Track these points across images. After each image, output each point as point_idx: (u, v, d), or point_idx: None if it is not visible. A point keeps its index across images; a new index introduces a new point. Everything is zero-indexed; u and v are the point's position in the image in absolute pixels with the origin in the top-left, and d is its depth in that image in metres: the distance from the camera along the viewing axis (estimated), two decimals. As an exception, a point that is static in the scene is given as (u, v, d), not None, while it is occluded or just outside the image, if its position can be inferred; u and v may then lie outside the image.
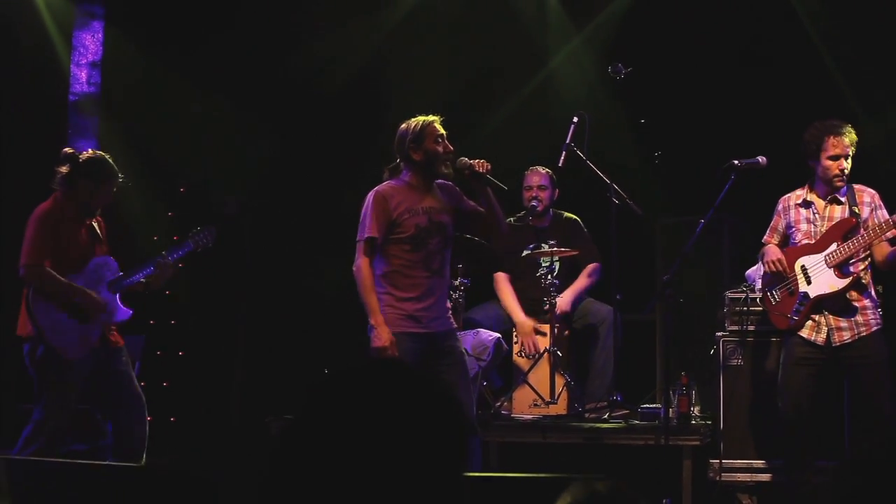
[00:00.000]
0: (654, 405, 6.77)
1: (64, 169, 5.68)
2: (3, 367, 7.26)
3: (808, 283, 5.85)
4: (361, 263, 5.39)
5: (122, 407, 5.75)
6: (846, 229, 5.83)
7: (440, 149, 5.45)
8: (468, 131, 5.76)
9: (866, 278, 5.86)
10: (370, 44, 8.37)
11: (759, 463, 6.40)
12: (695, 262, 6.68)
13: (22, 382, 6.71)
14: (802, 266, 5.88)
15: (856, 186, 5.91)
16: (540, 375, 6.89)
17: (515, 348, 7.06)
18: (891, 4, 7.52)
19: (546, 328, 6.97)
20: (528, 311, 7.15)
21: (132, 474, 3.88)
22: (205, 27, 8.17)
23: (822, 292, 5.80)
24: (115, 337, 5.82)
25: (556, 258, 7.12)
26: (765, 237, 6.13)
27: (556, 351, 6.86)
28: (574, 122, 6.86)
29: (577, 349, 7.33)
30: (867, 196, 5.90)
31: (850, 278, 5.77)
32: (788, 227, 6.02)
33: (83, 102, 8.09)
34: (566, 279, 7.24)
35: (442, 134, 5.47)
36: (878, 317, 5.84)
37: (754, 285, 6.54)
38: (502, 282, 7.32)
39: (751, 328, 6.50)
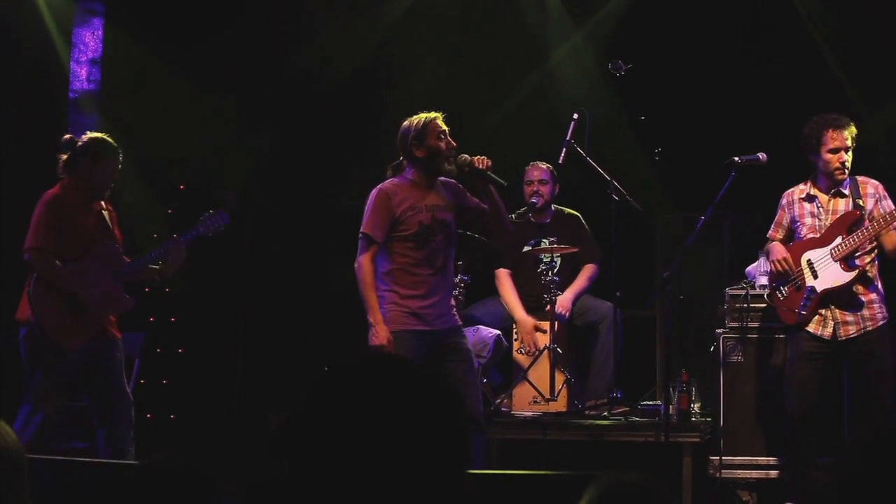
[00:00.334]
0: (655, 402, 6.77)
1: (65, 155, 5.73)
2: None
3: (815, 277, 5.85)
4: (362, 261, 5.40)
5: (107, 402, 5.73)
6: (851, 222, 5.83)
7: (443, 145, 5.46)
8: (468, 127, 5.75)
9: (872, 271, 5.87)
10: (370, 39, 8.36)
11: (760, 460, 6.40)
12: (695, 259, 6.68)
13: (19, 377, 6.71)
14: (808, 260, 5.88)
15: (859, 179, 5.92)
16: (540, 372, 6.88)
17: (515, 345, 7.06)
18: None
19: (546, 325, 6.96)
20: (528, 308, 7.15)
21: (126, 472, 3.87)
22: (204, 23, 8.16)
23: (829, 286, 5.81)
24: (113, 329, 5.80)
25: (556, 255, 7.11)
26: (769, 232, 6.13)
27: (556, 348, 6.86)
28: (574, 119, 6.86)
29: (577, 346, 7.33)
30: (871, 188, 5.90)
31: (857, 271, 5.77)
32: (793, 221, 6.02)
33: (83, 100, 8.08)
34: (567, 276, 7.23)
35: (444, 130, 5.47)
36: (884, 311, 5.85)
37: (754, 282, 6.54)
38: (503, 278, 7.32)
39: (751, 325, 6.50)
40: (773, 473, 6.35)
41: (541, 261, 7.14)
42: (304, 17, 8.35)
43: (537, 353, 6.92)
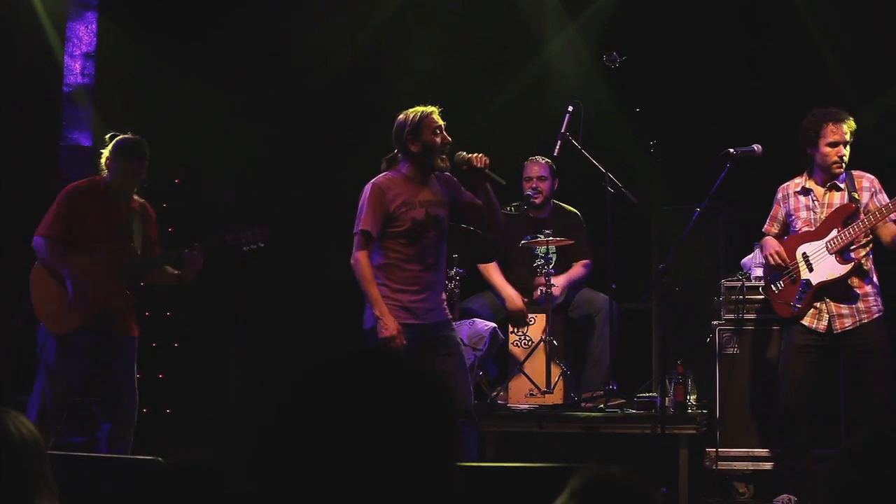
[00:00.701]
0: (651, 394, 6.77)
1: (105, 151, 5.85)
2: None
3: (810, 270, 5.85)
4: (359, 256, 5.39)
5: (109, 398, 5.75)
6: (846, 215, 5.83)
7: (438, 140, 5.43)
8: (463, 121, 5.74)
9: (867, 264, 5.87)
10: (365, 33, 8.35)
11: (756, 451, 6.41)
12: (691, 251, 6.67)
13: (18, 374, 6.72)
14: (804, 253, 5.89)
15: (854, 172, 5.92)
16: (536, 365, 6.88)
17: (512, 338, 7.06)
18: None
19: (541, 317, 6.96)
20: (524, 303, 7.14)
21: (140, 468, 3.87)
22: (199, 17, 8.13)
23: (824, 279, 5.81)
24: (123, 325, 5.79)
25: (552, 248, 7.10)
26: (765, 226, 6.13)
27: (552, 340, 6.85)
28: (569, 112, 6.85)
29: (573, 338, 7.33)
30: (866, 181, 5.90)
31: (852, 264, 5.78)
32: (788, 215, 6.02)
33: (77, 94, 8.06)
34: (563, 269, 7.23)
35: (440, 125, 5.44)
36: (879, 303, 5.86)
37: (750, 273, 6.55)
38: (490, 268, 7.29)
39: (747, 316, 6.51)
40: (769, 465, 6.36)
41: (537, 255, 7.14)
42: (300, 10, 8.33)
43: (533, 345, 6.93)
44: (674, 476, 6.31)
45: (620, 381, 6.95)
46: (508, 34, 8.24)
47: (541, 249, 7.07)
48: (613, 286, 6.82)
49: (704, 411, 6.57)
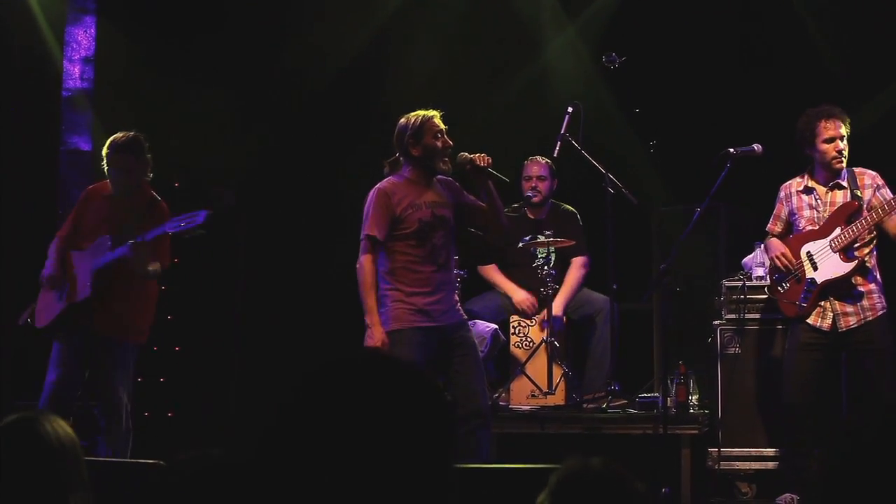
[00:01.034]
0: (652, 394, 6.76)
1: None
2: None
3: (815, 268, 5.85)
4: (364, 261, 5.37)
5: (99, 400, 5.78)
6: (849, 213, 5.83)
7: (439, 144, 5.42)
8: (463, 122, 5.74)
9: (871, 262, 5.87)
10: (365, 34, 8.34)
11: (758, 451, 6.39)
12: (691, 251, 6.67)
13: (18, 378, 6.71)
14: (808, 252, 5.88)
15: (856, 170, 5.92)
16: (538, 366, 6.88)
17: (513, 339, 7.06)
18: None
19: (541, 317, 6.96)
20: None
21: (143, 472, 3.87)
22: (197, 20, 8.13)
23: (829, 277, 5.81)
24: (104, 325, 5.71)
25: (552, 249, 7.10)
26: (768, 226, 6.13)
27: (553, 341, 6.85)
28: (568, 112, 6.85)
29: (574, 339, 7.33)
30: (868, 178, 5.90)
31: (856, 262, 5.77)
32: (791, 214, 6.02)
33: (76, 98, 8.06)
34: (562, 270, 7.22)
35: (442, 129, 5.43)
36: (883, 300, 5.85)
37: (751, 273, 6.54)
38: (491, 269, 7.31)
39: (748, 316, 6.50)
40: (772, 465, 6.34)
41: (536, 255, 7.13)
42: (298, 13, 8.33)
43: (534, 346, 6.92)
44: (676, 476, 6.30)
45: (622, 382, 6.94)
46: (507, 35, 8.24)
47: (540, 250, 7.07)
48: (614, 286, 6.81)
49: (706, 411, 6.56)
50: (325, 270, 7.33)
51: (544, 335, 6.91)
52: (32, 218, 7.40)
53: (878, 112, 7.33)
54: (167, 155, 7.92)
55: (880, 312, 5.83)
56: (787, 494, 5.92)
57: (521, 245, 7.06)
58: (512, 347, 7.05)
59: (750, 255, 6.61)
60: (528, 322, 7.04)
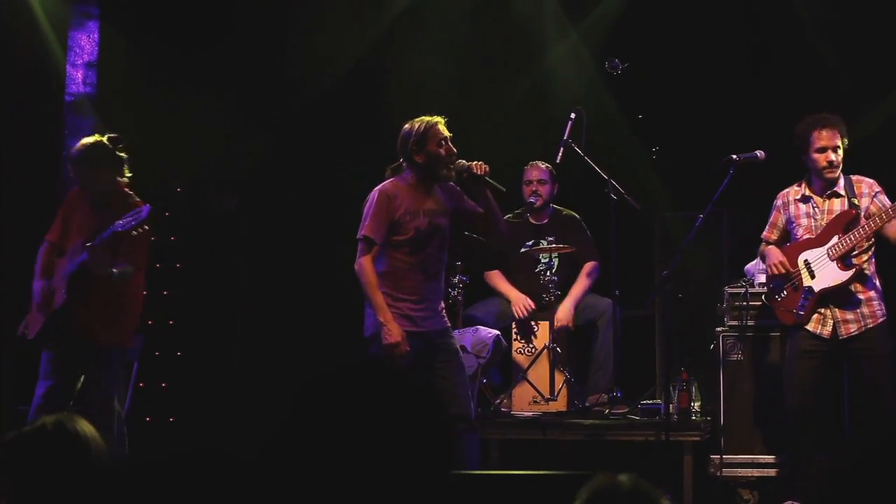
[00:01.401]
0: (655, 401, 6.75)
1: None
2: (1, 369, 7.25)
3: (812, 277, 5.84)
4: (363, 262, 5.37)
5: (87, 411, 5.68)
6: (847, 221, 5.82)
7: (443, 152, 5.41)
8: (465, 127, 5.73)
9: (869, 269, 5.86)
10: (367, 39, 8.35)
11: (760, 458, 6.38)
12: (694, 257, 6.67)
13: (19, 383, 6.70)
14: (805, 261, 5.88)
15: (854, 178, 5.91)
16: (539, 372, 6.87)
17: (515, 345, 7.05)
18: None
19: (544, 325, 6.95)
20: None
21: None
22: (200, 25, 8.14)
23: (827, 286, 5.80)
24: (78, 332, 5.61)
25: (554, 255, 7.10)
26: (764, 233, 6.12)
27: (555, 347, 6.85)
28: (571, 118, 6.85)
29: (576, 345, 7.32)
30: (865, 186, 5.89)
31: (854, 270, 5.76)
32: (789, 222, 6.01)
33: (79, 103, 8.06)
34: (565, 275, 7.22)
35: (445, 136, 5.42)
36: (883, 308, 5.85)
37: (753, 280, 6.53)
38: (494, 275, 7.32)
39: (750, 323, 6.49)
40: (774, 472, 6.33)
41: (539, 261, 7.13)
42: (300, 18, 8.33)
43: (536, 353, 6.92)
44: (678, 483, 6.29)
45: (624, 388, 6.94)
46: (510, 41, 8.24)
47: (542, 256, 7.07)
48: (617, 293, 6.80)
49: (708, 418, 6.55)
50: (328, 275, 7.32)
51: (546, 342, 6.90)
52: (35, 223, 7.40)
53: (880, 120, 7.33)
54: (169, 160, 7.95)
55: (881, 320, 5.82)
56: (790, 501, 5.91)
57: (523, 251, 7.06)
58: (514, 353, 7.04)
59: (752, 262, 6.61)
60: (533, 326, 7.02)
